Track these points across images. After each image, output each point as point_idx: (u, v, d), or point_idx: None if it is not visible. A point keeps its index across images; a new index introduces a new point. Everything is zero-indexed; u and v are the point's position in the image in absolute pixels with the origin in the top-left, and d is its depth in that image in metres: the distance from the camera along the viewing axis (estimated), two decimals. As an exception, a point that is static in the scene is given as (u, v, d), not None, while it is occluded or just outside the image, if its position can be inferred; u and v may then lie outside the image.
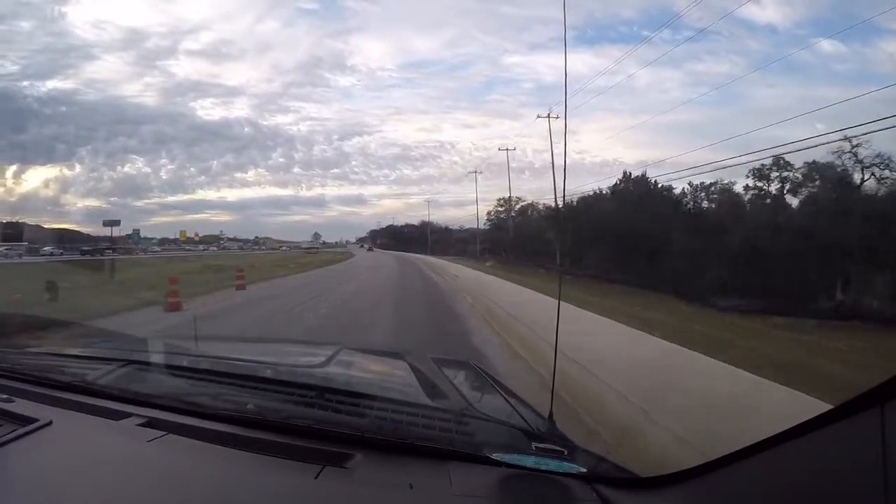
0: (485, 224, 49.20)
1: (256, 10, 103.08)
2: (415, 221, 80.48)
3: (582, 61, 53.26)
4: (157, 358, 1.32)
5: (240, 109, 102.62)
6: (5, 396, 1.01)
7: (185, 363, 1.33)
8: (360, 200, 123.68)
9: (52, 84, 78.98)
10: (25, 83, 74.01)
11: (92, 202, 76.31)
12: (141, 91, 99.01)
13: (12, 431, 0.86)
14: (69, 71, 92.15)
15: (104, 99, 78.86)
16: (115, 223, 37.65)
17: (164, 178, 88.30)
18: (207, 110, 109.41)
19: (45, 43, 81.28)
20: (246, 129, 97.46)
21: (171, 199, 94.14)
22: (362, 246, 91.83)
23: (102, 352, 1.49)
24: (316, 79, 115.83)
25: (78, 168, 74.26)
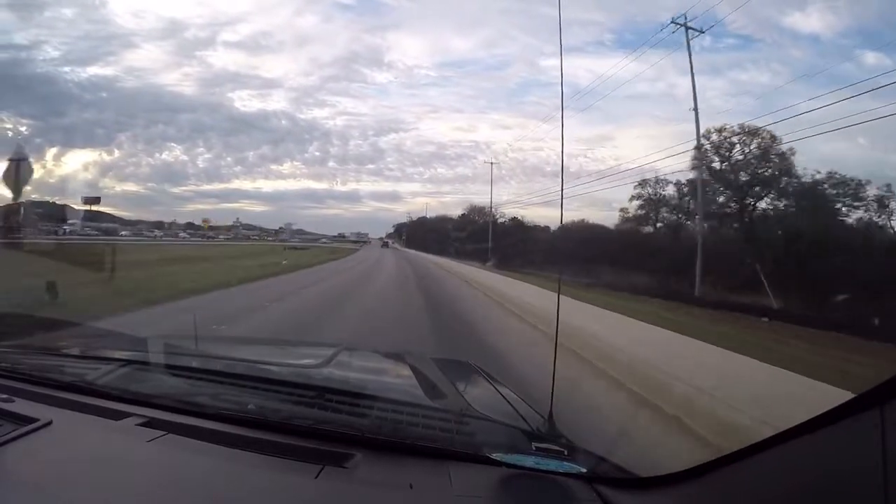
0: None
1: (294, 3, 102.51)
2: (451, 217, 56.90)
3: (619, 66, 51.80)
4: (156, 358, 1.32)
5: (277, 102, 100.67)
6: (5, 396, 1.01)
7: (185, 363, 1.33)
8: (394, 197, 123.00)
9: (93, 70, 77.94)
10: (67, 69, 72.96)
11: (130, 186, 75.97)
12: (179, 80, 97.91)
13: (12, 431, 0.86)
14: (109, 58, 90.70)
15: (143, 86, 78.07)
16: (95, 200, 32.93)
17: (200, 166, 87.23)
18: (245, 102, 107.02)
19: (86, 30, 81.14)
20: (283, 122, 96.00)
21: (207, 187, 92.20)
22: (380, 240, 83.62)
23: (102, 351, 1.49)
24: (352, 74, 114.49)
25: (117, 153, 74.35)
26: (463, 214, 52.83)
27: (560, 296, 2.43)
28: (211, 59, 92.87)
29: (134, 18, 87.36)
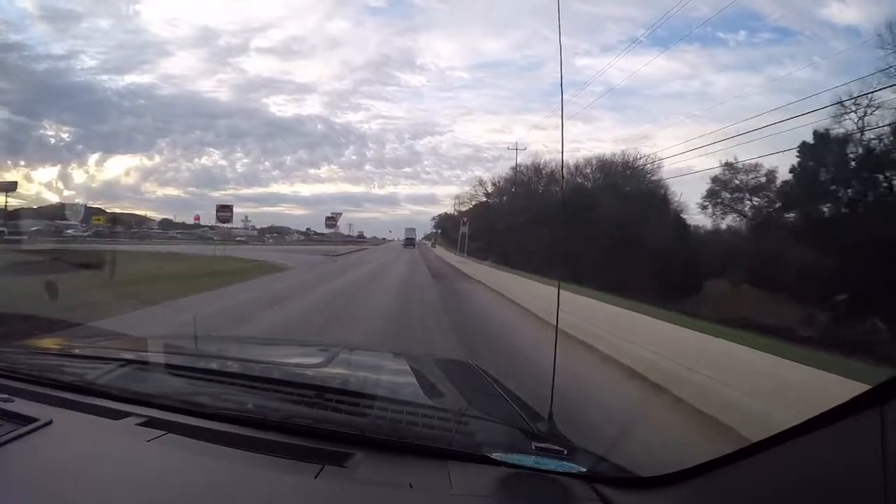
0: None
1: (325, 8, 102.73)
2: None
3: (654, 63, 50.45)
4: (156, 357, 1.32)
5: (312, 106, 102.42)
6: (5, 396, 1.01)
7: (184, 363, 1.33)
8: (431, 200, 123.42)
9: (130, 78, 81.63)
10: (105, 77, 74.45)
11: (171, 191, 78.03)
12: (215, 87, 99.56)
13: (12, 431, 0.86)
14: (146, 66, 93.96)
15: (180, 93, 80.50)
16: (11, 186, 25.99)
17: (239, 170, 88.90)
18: (280, 107, 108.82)
19: (122, 39, 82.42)
20: (318, 126, 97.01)
21: (246, 191, 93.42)
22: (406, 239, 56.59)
23: (102, 351, 1.49)
24: (386, 77, 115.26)
25: (157, 158, 76.41)
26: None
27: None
28: (245, 66, 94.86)
29: (167, 27, 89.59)
